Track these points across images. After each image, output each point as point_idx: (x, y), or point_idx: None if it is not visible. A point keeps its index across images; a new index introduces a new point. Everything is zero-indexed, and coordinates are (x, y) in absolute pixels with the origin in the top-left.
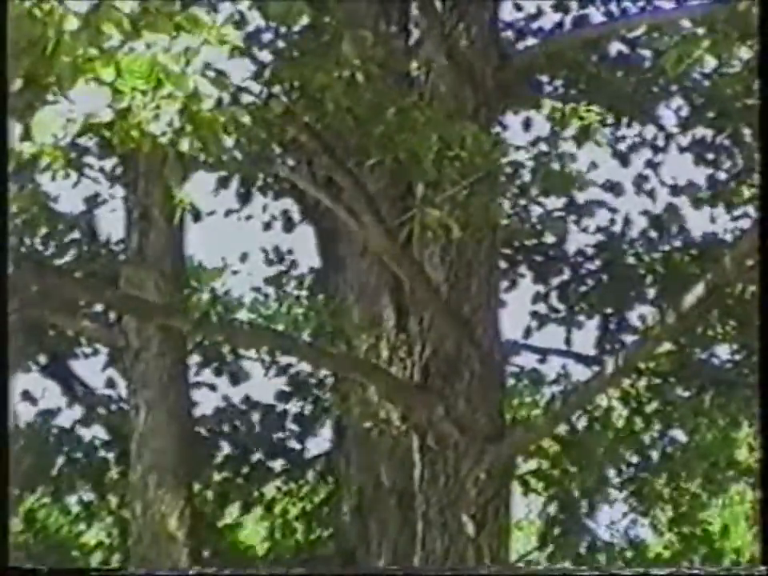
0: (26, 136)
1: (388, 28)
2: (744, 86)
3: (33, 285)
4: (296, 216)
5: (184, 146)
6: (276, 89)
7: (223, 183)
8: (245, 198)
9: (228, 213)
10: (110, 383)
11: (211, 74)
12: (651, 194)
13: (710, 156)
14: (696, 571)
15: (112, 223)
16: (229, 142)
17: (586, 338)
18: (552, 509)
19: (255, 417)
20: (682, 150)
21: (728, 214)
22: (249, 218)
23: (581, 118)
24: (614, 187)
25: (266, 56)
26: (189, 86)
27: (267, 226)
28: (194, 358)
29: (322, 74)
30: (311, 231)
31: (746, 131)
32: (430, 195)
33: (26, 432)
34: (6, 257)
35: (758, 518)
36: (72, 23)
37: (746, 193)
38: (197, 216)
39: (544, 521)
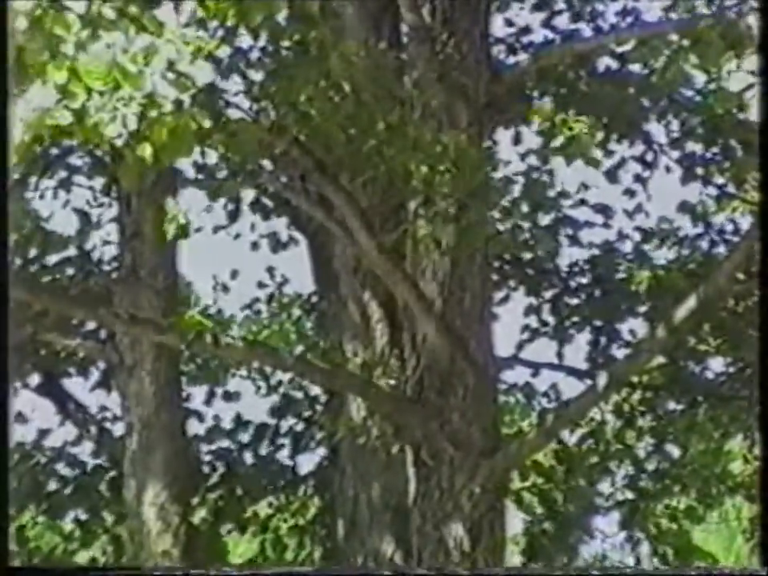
0: None
1: (378, 44)
2: (735, 102)
3: (26, 303)
4: (284, 234)
5: (144, 149)
6: (264, 103)
7: (213, 197)
8: (233, 214)
9: (216, 229)
10: (103, 401)
11: (171, 75)
12: (639, 209)
13: (700, 170)
14: (697, 572)
15: (105, 241)
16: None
17: (577, 352)
18: (544, 523)
19: (247, 435)
20: (672, 163)
21: (719, 226)
22: (237, 236)
23: (570, 129)
24: (604, 209)
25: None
26: (146, 87)
27: (254, 246)
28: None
29: (310, 89)
30: (304, 247)
31: (737, 146)
32: (422, 210)
33: (17, 451)
34: (6, 273)
35: (758, 519)
36: (22, 24)
37: (738, 206)
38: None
39: (535, 535)
